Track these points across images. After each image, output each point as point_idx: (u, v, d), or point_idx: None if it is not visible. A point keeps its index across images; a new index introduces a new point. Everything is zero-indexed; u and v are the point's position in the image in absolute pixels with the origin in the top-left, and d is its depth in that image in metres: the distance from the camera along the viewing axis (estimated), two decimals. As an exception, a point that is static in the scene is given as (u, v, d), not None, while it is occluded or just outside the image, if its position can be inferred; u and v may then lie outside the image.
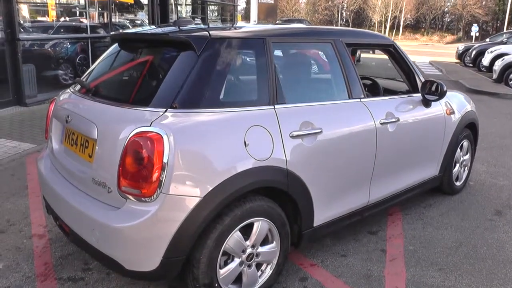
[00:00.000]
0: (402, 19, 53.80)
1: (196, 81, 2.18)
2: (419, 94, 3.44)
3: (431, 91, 3.41)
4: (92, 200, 2.23)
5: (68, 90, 2.81)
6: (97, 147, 2.20)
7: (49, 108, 2.89)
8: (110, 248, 2.11)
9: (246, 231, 2.33)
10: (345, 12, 59.96)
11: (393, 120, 3.09)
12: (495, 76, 12.72)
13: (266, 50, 2.48)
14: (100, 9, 9.78)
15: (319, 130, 2.56)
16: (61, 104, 2.70)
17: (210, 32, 2.34)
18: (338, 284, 2.70)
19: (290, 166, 2.40)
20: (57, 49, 8.61)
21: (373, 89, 3.74)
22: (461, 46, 20.72)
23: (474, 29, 37.85)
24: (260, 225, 2.36)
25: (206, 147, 2.11)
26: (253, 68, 2.45)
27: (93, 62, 8.68)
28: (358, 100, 2.94)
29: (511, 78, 12.15)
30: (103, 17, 9.88)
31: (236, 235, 2.26)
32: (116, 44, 2.78)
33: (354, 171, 2.87)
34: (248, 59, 2.50)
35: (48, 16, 8.95)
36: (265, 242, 2.45)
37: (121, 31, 2.80)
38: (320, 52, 3.26)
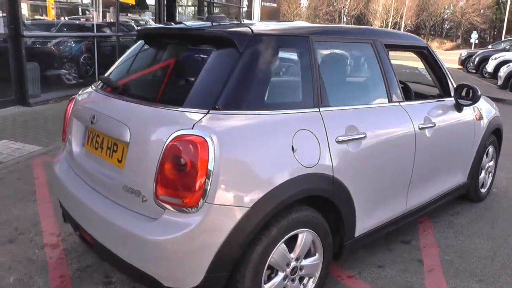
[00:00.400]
0: (403, 25, 53.80)
1: (239, 80, 1.97)
2: (452, 99, 3.33)
3: (462, 95, 3.31)
4: (123, 209, 2.00)
5: (90, 88, 2.57)
6: (129, 151, 1.97)
7: (67, 107, 2.66)
8: (146, 263, 1.88)
9: (289, 244, 2.15)
10: (346, 17, 59.95)
11: (430, 125, 2.97)
12: (500, 82, 12.70)
13: (310, 49, 2.30)
14: (105, 8, 9.54)
15: (363, 135, 2.41)
16: (83, 103, 2.47)
17: (252, 28, 2.14)
18: (381, 300, 2.51)
19: (336, 173, 2.23)
20: (61, 47, 8.36)
21: (405, 93, 3.56)
22: (464, 52, 20.64)
23: (474, 36, 38.11)
24: (304, 237, 2.19)
25: (253, 152, 1.91)
26: (296, 68, 2.27)
27: (99, 62, 8.62)
28: (398, 104, 2.80)
29: (516, 84, 12.08)
30: (109, 16, 9.64)
31: (281, 247, 2.09)
32: (143, 40, 2.57)
33: (394, 177, 2.74)
34: (291, 58, 2.29)
35: (51, 14, 8.70)
36: (308, 254, 2.28)
37: (149, 26, 2.57)
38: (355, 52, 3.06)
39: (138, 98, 2.11)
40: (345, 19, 58.89)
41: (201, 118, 1.85)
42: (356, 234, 2.52)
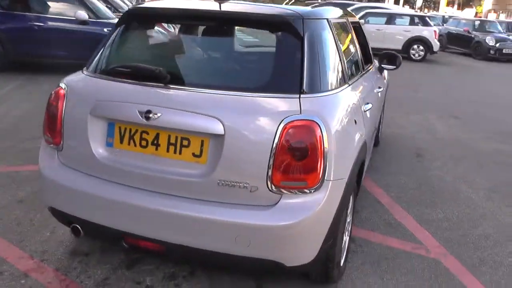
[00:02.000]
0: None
1: (312, 62, 2.05)
2: (374, 64, 3.92)
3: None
4: (220, 204, 1.90)
5: (93, 78, 2.20)
6: (225, 144, 1.86)
7: (57, 103, 2.19)
8: (268, 249, 1.90)
9: None
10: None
11: (379, 87, 3.61)
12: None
13: (332, 30, 2.44)
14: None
15: (371, 105, 2.94)
16: (103, 97, 2.08)
17: (299, 11, 2.20)
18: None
19: (366, 137, 2.60)
20: None
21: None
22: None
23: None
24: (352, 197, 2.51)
25: (343, 127, 2.08)
26: (332, 47, 2.37)
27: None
28: (367, 72, 3.35)
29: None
30: None
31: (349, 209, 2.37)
32: (183, 25, 2.40)
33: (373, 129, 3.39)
34: (329, 39, 2.38)
35: None
36: None
37: (193, 8, 2.24)
38: None
39: (213, 88, 1.97)
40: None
41: (300, 103, 1.89)
42: None
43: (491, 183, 4.13)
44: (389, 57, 3.87)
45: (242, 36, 2.37)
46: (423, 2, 64.29)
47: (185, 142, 1.93)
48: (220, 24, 2.24)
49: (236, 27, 2.34)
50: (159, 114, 1.91)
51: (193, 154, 1.92)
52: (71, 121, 2.16)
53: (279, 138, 1.82)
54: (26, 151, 4.10)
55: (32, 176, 3.55)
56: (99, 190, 2.06)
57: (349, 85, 2.42)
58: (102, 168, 2.08)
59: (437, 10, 46.85)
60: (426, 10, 51.34)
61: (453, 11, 44.08)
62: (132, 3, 11.73)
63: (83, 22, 7.40)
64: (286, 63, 2.04)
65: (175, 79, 2.03)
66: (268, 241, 1.88)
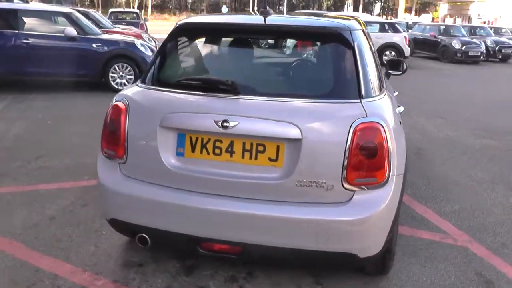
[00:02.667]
0: (150, 2, 54.12)
1: (364, 69, 2.24)
2: None
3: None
4: (298, 204, 2.05)
5: (157, 92, 2.31)
6: (303, 148, 2.01)
7: (119, 117, 2.27)
8: (345, 243, 2.07)
9: None
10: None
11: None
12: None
13: (368, 39, 2.66)
14: None
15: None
16: (172, 108, 2.18)
17: (344, 23, 2.40)
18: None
19: None
20: None
21: None
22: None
23: (224, 10, 42.26)
24: None
25: (397, 126, 2.27)
26: (369, 55, 2.54)
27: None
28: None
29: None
30: None
31: None
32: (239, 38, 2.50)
33: None
34: (369, 46, 2.59)
35: None
36: None
37: (253, 23, 2.39)
38: None
39: (283, 96, 2.13)
40: None
41: (364, 107, 2.08)
42: None
43: (490, 176, 4.44)
44: (394, 63, 4.11)
45: (287, 48, 2.53)
46: (381, 9, 66.67)
47: (260, 148, 2.06)
48: (278, 36, 2.41)
49: (289, 40, 2.50)
50: (236, 123, 2.04)
51: (269, 159, 2.06)
52: (138, 133, 2.24)
53: (351, 140, 1.99)
54: (35, 170, 4.11)
55: (51, 194, 3.59)
56: (172, 198, 2.16)
57: (386, 89, 2.61)
58: (173, 177, 2.17)
59: (396, 17, 48.64)
60: (384, 17, 53.24)
61: (411, 17, 45.84)
62: (108, 21, 11.71)
63: (72, 39, 7.38)
64: (345, 71, 2.22)
65: (245, 89, 2.16)
66: (345, 234, 2.05)
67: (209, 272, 2.59)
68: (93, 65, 7.50)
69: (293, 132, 2.01)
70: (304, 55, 2.52)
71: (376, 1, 66.74)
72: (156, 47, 8.42)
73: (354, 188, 2.04)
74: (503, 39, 19.19)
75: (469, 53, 16.42)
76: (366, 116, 2.04)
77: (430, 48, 17.88)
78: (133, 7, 48.44)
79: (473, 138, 5.91)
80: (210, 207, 2.10)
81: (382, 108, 2.21)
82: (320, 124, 2.05)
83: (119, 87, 7.77)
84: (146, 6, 52.01)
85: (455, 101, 8.83)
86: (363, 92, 2.15)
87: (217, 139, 2.11)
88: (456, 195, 3.91)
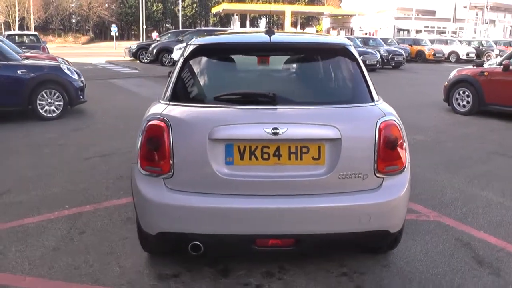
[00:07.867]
0: (32, 19, 50.47)
1: (367, 78, 2.69)
2: None
3: None
4: (340, 194, 2.41)
5: (209, 108, 2.52)
6: (343, 146, 2.37)
7: (162, 135, 2.40)
8: (382, 221, 2.46)
9: None
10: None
11: None
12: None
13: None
14: None
15: None
16: (229, 121, 2.40)
17: (343, 40, 2.87)
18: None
19: None
20: None
21: None
22: (133, 45, 22.37)
23: (114, 29, 41.05)
24: None
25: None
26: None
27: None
28: None
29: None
30: None
31: None
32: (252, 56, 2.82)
33: None
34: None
35: None
36: None
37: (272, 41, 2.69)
38: None
39: (317, 104, 2.51)
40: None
41: (379, 108, 2.53)
42: None
43: (433, 163, 5.22)
44: None
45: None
46: (266, 24, 70.22)
47: (304, 150, 2.38)
48: (294, 53, 2.79)
49: (301, 55, 2.88)
50: (284, 129, 2.33)
51: (313, 158, 2.38)
52: (185, 148, 2.40)
53: (379, 135, 2.42)
54: (8, 206, 3.88)
55: (41, 226, 3.47)
56: (226, 203, 2.36)
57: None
58: (226, 185, 2.38)
59: (283, 29, 51.67)
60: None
61: (296, 31, 49.15)
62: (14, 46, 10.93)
63: (-6, 67, 6.87)
64: (358, 79, 2.66)
65: (281, 99, 2.49)
66: (381, 214, 2.45)
67: (243, 271, 2.80)
68: (19, 93, 7.02)
69: (334, 133, 2.37)
70: (317, 68, 2.90)
71: (261, 17, 70.19)
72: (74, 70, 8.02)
73: (383, 176, 2.46)
74: (393, 48, 21.60)
75: (367, 62, 18.09)
76: (385, 115, 2.48)
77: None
78: (14, 29, 44.79)
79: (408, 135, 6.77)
80: (264, 206, 2.35)
81: (389, 108, 2.67)
82: (354, 125, 2.45)
83: (48, 115, 7.37)
84: (28, 27, 48.32)
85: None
86: (374, 96, 2.62)
87: (264, 145, 2.37)
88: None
